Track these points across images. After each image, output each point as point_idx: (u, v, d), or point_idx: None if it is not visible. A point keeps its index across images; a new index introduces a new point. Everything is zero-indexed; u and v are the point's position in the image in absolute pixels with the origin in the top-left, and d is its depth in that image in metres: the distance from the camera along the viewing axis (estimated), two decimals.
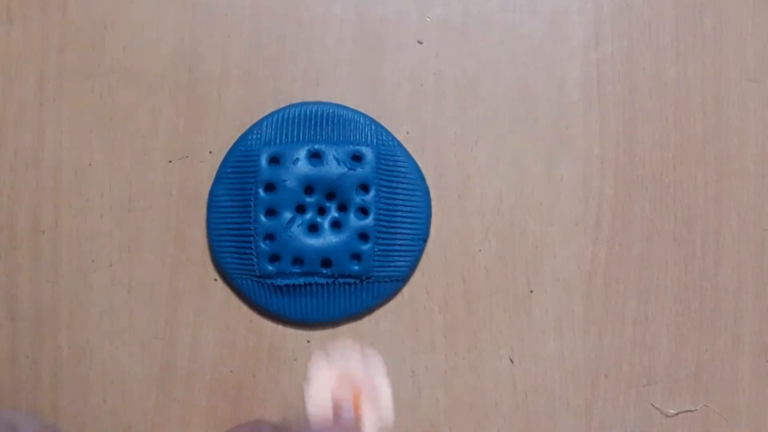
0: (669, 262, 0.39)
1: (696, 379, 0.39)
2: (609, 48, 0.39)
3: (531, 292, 0.39)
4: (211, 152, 0.39)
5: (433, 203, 0.39)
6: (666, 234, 0.39)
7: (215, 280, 0.38)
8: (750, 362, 0.39)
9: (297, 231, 0.38)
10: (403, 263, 0.38)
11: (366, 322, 0.39)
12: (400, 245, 0.38)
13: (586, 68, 0.39)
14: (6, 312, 0.38)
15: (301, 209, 0.38)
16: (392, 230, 0.38)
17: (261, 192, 0.38)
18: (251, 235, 0.38)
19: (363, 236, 0.38)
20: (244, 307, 0.38)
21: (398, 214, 0.38)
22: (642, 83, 0.39)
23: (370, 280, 0.38)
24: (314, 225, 0.38)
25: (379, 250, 0.38)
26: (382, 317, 0.39)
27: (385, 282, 0.38)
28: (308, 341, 0.39)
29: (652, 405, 0.39)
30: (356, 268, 0.38)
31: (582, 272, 0.39)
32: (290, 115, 0.39)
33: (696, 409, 0.39)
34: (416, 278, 0.39)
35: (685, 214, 0.39)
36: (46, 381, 0.38)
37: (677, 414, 0.39)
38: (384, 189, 0.38)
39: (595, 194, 0.39)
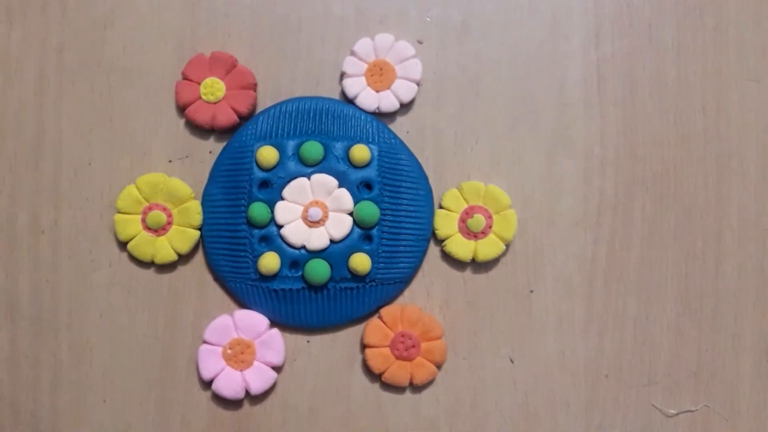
0: (669, 262, 0.39)
1: (696, 379, 0.39)
2: (609, 48, 0.39)
3: (531, 292, 0.39)
4: (210, 152, 0.39)
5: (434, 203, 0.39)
6: (666, 234, 0.39)
7: (215, 280, 0.38)
8: (751, 362, 0.39)
9: None
10: (406, 265, 0.38)
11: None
12: (404, 246, 0.38)
13: (586, 68, 0.39)
14: (6, 312, 0.38)
15: None
16: (397, 231, 0.37)
17: (255, 190, 0.37)
18: (246, 237, 0.37)
19: (367, 237, 0.37)
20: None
21: (403, 213, 0.37)
22: (642, 83, 0.39)
23: (374, 284, 0.37)
24: None
25: (384, 252, 0.37)
26: None
27: (389, 284, 0.38)
28: (308, 341, 0.38)
29: (653, 405, 0.39)
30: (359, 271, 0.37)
31: (582, 272, 0.39)
32: (288, 110, 0.38)
33: (696, 409, 0.39)
34: (417, 278, 0.39)
35: (685, 214, 0.39)
36: (46, 381, 0.38)
37: (678, 414, 0.39)
38: (388, 188, 0.37)
39: (595, 194, 0.39)
